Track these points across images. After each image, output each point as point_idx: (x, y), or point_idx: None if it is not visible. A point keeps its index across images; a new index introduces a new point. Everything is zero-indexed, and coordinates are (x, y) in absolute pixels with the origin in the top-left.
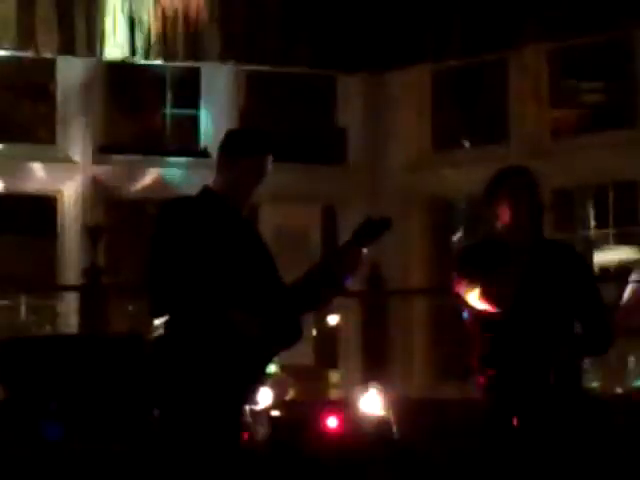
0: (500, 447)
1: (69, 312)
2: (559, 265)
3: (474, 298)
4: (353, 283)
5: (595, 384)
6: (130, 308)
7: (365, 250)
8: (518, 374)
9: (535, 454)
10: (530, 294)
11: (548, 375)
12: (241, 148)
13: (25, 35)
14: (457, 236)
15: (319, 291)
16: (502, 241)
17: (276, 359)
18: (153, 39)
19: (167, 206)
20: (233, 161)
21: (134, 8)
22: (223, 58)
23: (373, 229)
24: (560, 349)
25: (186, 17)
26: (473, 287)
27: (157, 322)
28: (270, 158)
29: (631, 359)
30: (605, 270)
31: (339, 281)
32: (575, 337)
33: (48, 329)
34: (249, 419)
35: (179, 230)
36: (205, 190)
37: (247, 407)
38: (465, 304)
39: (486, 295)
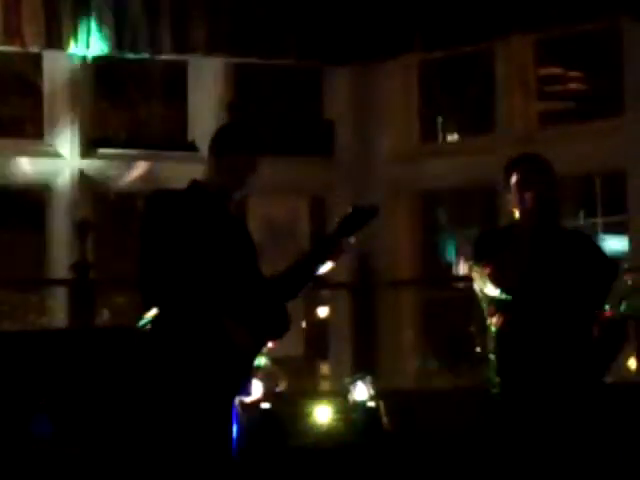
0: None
1: (58, 307)
2: (569, 252)
3: (485, 282)
4: (341, 274)
5: None
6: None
7: (352, 239)
8: (525, 358)
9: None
10: (535, 279)
11: (555, 360)
12: (229, 145)
13: (11, 29)
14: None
15: (300, 281)
16: (517, 226)
17: (266, 351)
18: (140, 33)
19: (152, 199)
20: (221, 157)
21: (120, 1)
22: (210, 51)
23: (359, 218)
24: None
25: (173, 10)
26: (484, 272)
27: (148, 315)
28: (259, 158)
29: None
30: None
31: (316, 270)
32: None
33: (37, 323)
34: (240, 411)
35: (164, 223)
36: (193, 183)
37: (237, 399)
38: (478, 288)
39: (494, 279)
